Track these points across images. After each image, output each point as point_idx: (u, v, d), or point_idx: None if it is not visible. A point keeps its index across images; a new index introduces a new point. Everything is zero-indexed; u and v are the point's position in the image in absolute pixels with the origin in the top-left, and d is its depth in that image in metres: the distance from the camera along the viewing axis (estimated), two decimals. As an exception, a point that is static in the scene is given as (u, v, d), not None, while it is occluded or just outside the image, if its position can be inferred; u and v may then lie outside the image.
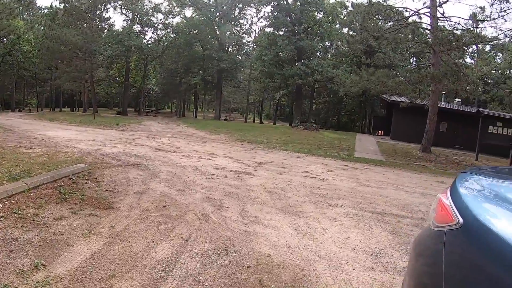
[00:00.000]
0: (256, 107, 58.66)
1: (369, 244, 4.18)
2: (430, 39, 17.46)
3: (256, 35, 43.42)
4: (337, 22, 35.16)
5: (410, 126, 22.62)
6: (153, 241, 3.69)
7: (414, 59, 39.05)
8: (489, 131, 18.02)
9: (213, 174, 7.33)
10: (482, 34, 15.90)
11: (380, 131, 28.84)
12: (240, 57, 42.25)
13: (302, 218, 4.93)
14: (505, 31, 15.41)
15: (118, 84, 41.30)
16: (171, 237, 3.84)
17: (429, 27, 17.02)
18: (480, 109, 19.45)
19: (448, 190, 1.74)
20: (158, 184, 6.05)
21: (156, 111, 43.10)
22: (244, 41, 43.52)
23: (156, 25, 37.82)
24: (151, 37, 38.80)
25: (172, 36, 38.56)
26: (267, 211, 5.11)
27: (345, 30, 36.66)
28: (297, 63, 32.98)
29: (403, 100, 20.71)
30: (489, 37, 16.91)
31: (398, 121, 24.04)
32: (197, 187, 6.16)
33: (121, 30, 35.26)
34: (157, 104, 51.64)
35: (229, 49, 41.09)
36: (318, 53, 39.24)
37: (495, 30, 15.62)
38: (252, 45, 44.56)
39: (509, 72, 35.99)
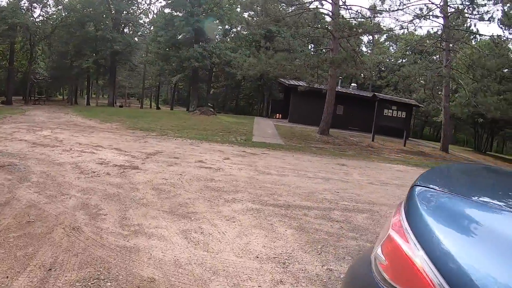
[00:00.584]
0: (152, 92, 55.92)
1: (274, 248, 3.60)
2: (330, 26, 17.83)
3: (155, 15, 40.83)
4: (238, 4, 34.53)
5: (308, 109, 23.42)
6: (7, 276, 2.65)
7: (313, 45, 40.48)
8: (384, 114, 19.04)
9: (94, 172, 6.12)
10: (380, 24, 16.78)
11: (278, 114, 29.35)
12: (136, 39, 39.47)
13: (194, 222, 4.16)
14: (403, 22, 16.43)
15: (2, 69, 35.38)
16: (30, 267, 2.81)
17: (330, 14, 17.37)
18: (376, 93, 20.62)
19: (404, 219, 1.06)
20: (26, 191, 4.73)
21: (46, 98, 38.00)
22: (141, 21, 40.68)
23: (45, 1, 33.04)
24: (39, 15, 33.90)
25: (63, 14, 34.29)
26: (153, 216, 4.23)
27: (246, 14, 36.52)
28: (194, 46, 31.68)
29: (301, 84, 21.14)
30: (386, 28, 17.87)
31: (296, 105, 24.67)
32: (73, 190, 4.98)
33: (5, 6, 29.99)
34: (47, 91, 45.79)
35: (125, 30, 38.04)
36: (217, 36, 38.43)
37: (394, 21, 16.76)
38: (149, 26, 41.97)
39: (402, 61, 39.34)
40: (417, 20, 18.48)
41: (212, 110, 24.16)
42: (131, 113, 23.47)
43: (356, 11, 17.35)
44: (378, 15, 16.67)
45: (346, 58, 14.97)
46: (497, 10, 18.45)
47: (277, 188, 6.10)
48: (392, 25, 48.48)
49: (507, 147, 47.26)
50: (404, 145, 19.65)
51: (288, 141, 14.78)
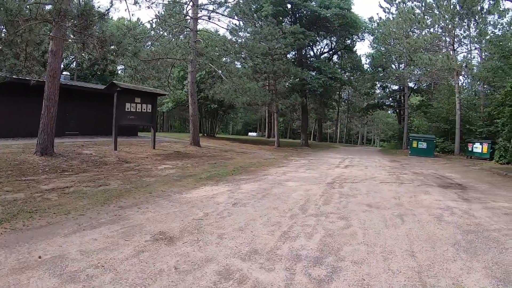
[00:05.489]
0: None
1: None
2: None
3: None
4: None
5: (4, 113, 15.11)
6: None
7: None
8: (126, 109, 13.75)
9: None
10: None
11: None
12: None
13: None
14: None
15: None
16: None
17: None
18: (115, 81, 14.60)
19: None
20: None
21: None
22: None
23: None
24: None
25: None
26: None
27: None
28: None
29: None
30: None
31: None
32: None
33: None
34: None
35: None
36: None
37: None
38: None
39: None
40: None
41: None
42: None
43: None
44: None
45: (90, 11, 8.00)
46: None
47: None
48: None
49: (219, 127, 51.45)
50: (154, 147, 15.21)
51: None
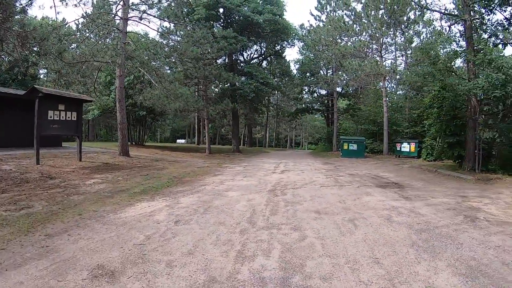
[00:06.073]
0: None
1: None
2: None
3: None
4: None
5: None
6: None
7: None
8: (49, 117, 12.39)
9: None
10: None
11: None
12: None
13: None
14: None
15: None
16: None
17: None
18: (37, 86, 12.99)
19: None
20: None
21: None
22: None
23: None
24: None
25: None
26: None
27: None
28: None
29: None
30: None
31: None
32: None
33: None
34: None
35: None
36: None
37: None
38: None
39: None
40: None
41: None
42: None
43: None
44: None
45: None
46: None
47: None
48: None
49: (147, 135, 49.36)
50: (80, 159, 13.90)
51: None
